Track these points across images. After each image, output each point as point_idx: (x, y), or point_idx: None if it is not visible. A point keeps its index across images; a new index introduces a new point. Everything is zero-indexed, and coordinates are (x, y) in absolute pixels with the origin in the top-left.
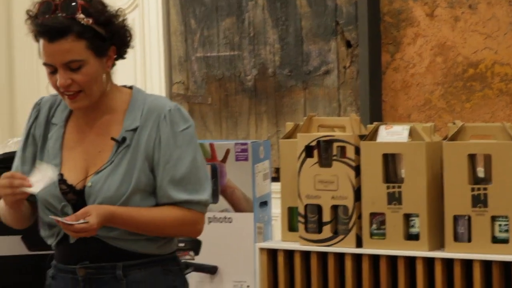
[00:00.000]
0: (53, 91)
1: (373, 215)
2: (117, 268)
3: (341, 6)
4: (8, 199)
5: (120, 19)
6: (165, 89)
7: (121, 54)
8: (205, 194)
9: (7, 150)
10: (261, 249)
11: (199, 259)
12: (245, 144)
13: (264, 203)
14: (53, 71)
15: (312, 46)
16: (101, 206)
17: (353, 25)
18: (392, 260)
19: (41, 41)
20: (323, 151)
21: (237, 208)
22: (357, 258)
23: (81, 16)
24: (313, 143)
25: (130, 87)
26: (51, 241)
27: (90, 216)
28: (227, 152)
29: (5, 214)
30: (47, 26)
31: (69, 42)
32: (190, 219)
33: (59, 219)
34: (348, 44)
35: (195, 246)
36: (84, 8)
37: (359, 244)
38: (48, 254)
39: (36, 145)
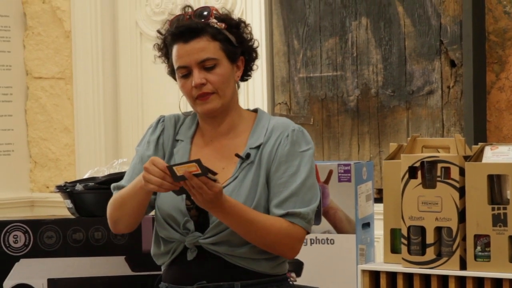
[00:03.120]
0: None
1: (477, 237)
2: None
3: (446, 26)
4: (150, 187)
5: (249, 31)
6: (267, 110)
7: (247, 71)
8: (306, 208)
9: (112, 171)
10: (363, 271)
11: (300, 281)
12: (348, 165)
13: (366, 225)
14: (186, 74)
15: (415, 66)
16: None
17: (458, 44)
18: (497, 283)
19: (176, 46)
20: (427, 172)
21: (339, 229)
22: (461, 280)
23: (214, 20)
24: (417, 164)
25: (255, 110)
26: (163, 260)
27: (219, 185)
28: (330, 173)
29: (127, 202)
30: (183, 27)
31: (204, 41)
32: (294, 234)
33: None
34: (452, 64)
35: (297, 268)
36: (216, 14)
37: (463, 266)
38: (151, 275)
39: (163, 155)
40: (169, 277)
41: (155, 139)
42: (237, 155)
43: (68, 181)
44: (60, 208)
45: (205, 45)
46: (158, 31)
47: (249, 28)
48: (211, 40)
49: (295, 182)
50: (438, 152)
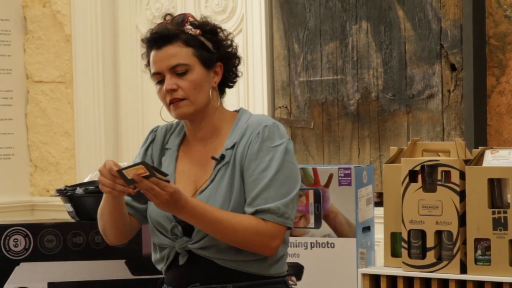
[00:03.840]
0: (168, 119)
1: (478, 240)
2: None
3: (446, 29)
4: (105, 190)
5: (227, 36)
6: (268, 113)
7: (229, 78)
8: (276, 203)
9: None
10: (364, 275)
11: (301, 285)
12: (348, 169)
13: (367, 228)
14: (160, 80)
15: (416, 69)
16: (183, 193)
17: (458, 48)
18: (498, 287)
19: (151, 54)
20: (427, 176)
21: (339, 233)
22: (461, 284)
23: (189, 27)
24: (417, 168)
25: (238, 110)
26: (161, 266)
27: (173, 185)
28: (330, 176)
29: (103, 211)
30: (157, 34)
31: (176, 47)
32: (265, 231)
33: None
34: (453, 68)
35: (297, 272)
36: (192, 20)
37: (463, 270)
38: (152, 278)
39: (152, 164)
40: (167, 281)
41: (144, 150)
42: (213, 158)
43: (69, 185)
44: (60, 212)
45: (176, 51)
46: (142, 40)
47: (226, 33)
48: (183, 46)
49: (266, 178)
50: (439, 156)
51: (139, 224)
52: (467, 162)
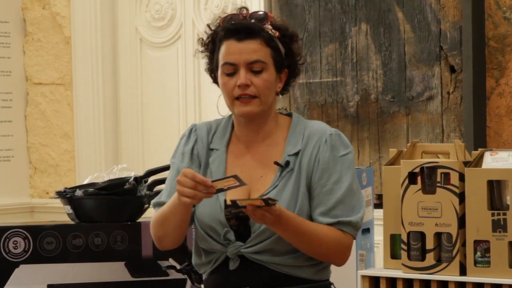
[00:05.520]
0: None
1: (477, 242)
2: None
3: (446, 31)
4: (184, 200)
5: (299, 45)
6: None
7: (286, 88)
8: (355, 217)
9: (112, 177)
10: (363, 277)
11: None
12: None
13: (366, 230)
14: (231, 72)
15: (415, 71)
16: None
17: (457, 50)
18: None
19: (227, 43)
20: (427, 178)
21: None
22: (461, 286)
23: (269, 26)
24: (417, 170)
25: (289, 114)
26: (204, 269)
27: (278, 207)
28: None
29: (169, 219)
30: (239, 25)
31: (257, 44)
32: (345, 242)
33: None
34: (452, 69)
35: None
36: (272, 20)
37: (462, 272)
38: (151, 280)
39: (199, 165)
40: (211, 284)
41: (189, 150)
42: (276, 163)
43: (68, 187)
44: (60, 213)
45: (257, 48)
46: (208, 25)
47: (300, 44)
48: (264, 45)
49: (341, 189)
50: (438, 157)
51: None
52: (466, 164)
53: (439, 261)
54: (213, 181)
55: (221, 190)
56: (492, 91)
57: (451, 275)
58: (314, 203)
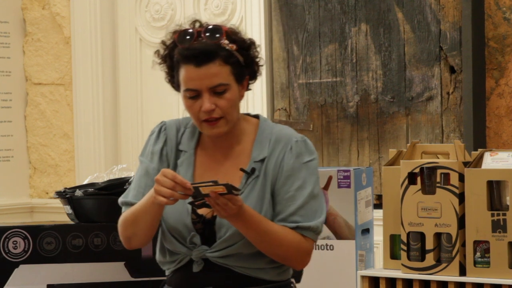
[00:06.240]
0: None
1: (477, 243)
2: None
3: (445, 32)
4: (160, 200)
5: (258, 52)
6: (267, 116)
7: (248, 85)
8: (316, 221)
9: (112, 177)
10: (363, 277)
11: (300, 287)
12: (348, 171)
13: (366, 231)
14: (194, 96)
15: (415, 72)
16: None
17: (457, 50)
18: None
19: (185, 67)
20: (426, 178)
21: (338, 235)
22: (461, 286)
23: (226, 41)
24: (417, 170)
25: (255, 116)
26: (168, 267)
27: (240, 198)
28: (330, 179)
29: (140, 218)
30: (195, 50)
31: (217, 66)
32: (305, 246)
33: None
34: (452, 70)
35: (297, 274)
36: (228, 34)
37: (462, 272)
38: (151, 281)
39: (167, 166)
40: (174, 282)
41: (158, 150)
42: (242, 170)
43: (68, 187)
44: (59, 214)
45: (217, 71)
46: (163, 42)
47: (258, 48)
48: (223, 65)
49: (303, 196)
50: (438, 158)
51: None
52: (466, 164)
53: (438, 261)
54: (198, 185)
55: (201, 195)
56: (492, 91)
57: (450, 276)
58: (277, 209)
